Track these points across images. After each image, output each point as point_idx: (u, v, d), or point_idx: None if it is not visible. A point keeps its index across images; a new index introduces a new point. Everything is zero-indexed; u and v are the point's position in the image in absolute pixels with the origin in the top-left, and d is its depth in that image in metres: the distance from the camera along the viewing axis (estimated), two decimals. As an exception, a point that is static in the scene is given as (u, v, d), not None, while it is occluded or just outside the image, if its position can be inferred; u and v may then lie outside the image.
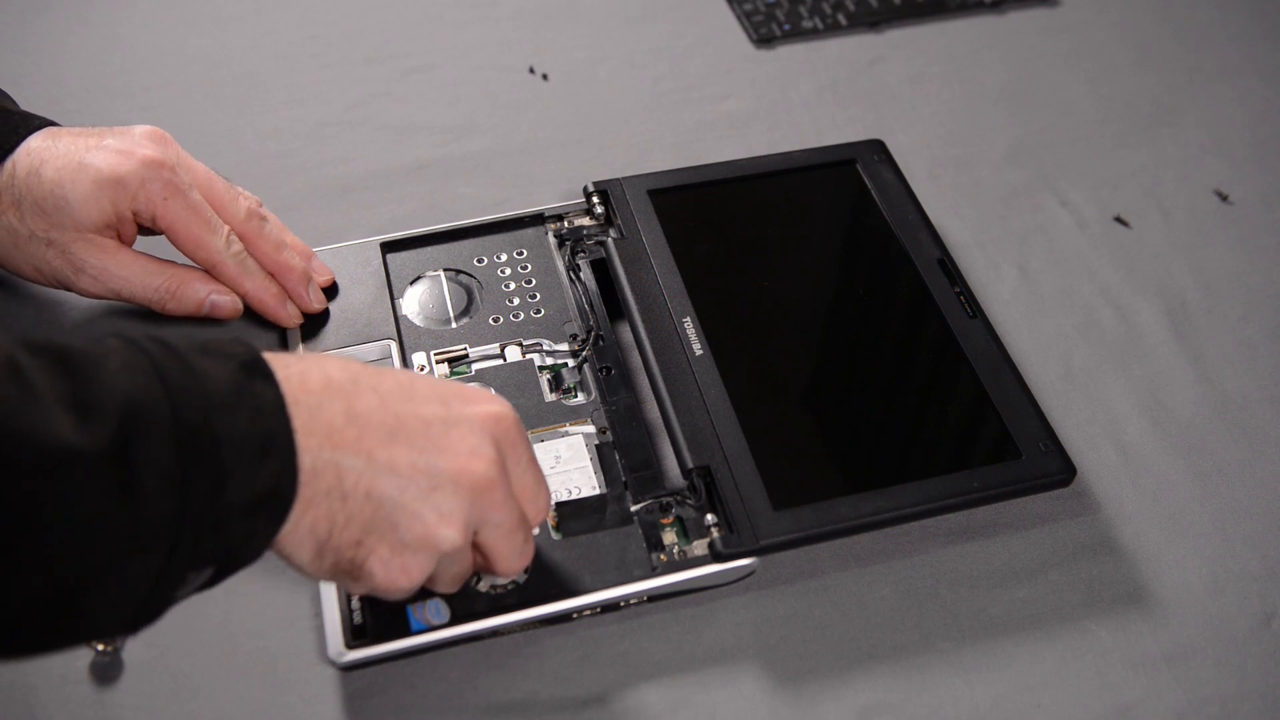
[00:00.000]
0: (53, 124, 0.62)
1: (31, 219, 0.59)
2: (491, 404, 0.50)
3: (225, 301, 0.64)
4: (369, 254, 0.70)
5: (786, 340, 0.67)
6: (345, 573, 0.47)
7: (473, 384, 0.61)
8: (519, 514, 0.50)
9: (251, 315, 0.66)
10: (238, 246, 0.63)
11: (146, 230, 0.63)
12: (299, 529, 0.45)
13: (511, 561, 0.51)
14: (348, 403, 0.46)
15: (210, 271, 0.64)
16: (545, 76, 0.86)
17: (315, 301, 0.66)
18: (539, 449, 0.61)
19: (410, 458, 0.47)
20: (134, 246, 0.64)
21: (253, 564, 0.45)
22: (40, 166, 0.59)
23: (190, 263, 0.64)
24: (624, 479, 0.60)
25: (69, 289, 0.62)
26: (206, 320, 0.65)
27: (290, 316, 0.65)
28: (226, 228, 0.63)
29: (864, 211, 0.72)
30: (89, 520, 0.39)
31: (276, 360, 0.45)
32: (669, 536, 0.58)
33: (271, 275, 0.65)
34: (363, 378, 0.47)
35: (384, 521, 0.46)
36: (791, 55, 0.89)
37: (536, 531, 0.56)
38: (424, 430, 0.47)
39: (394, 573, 0.47)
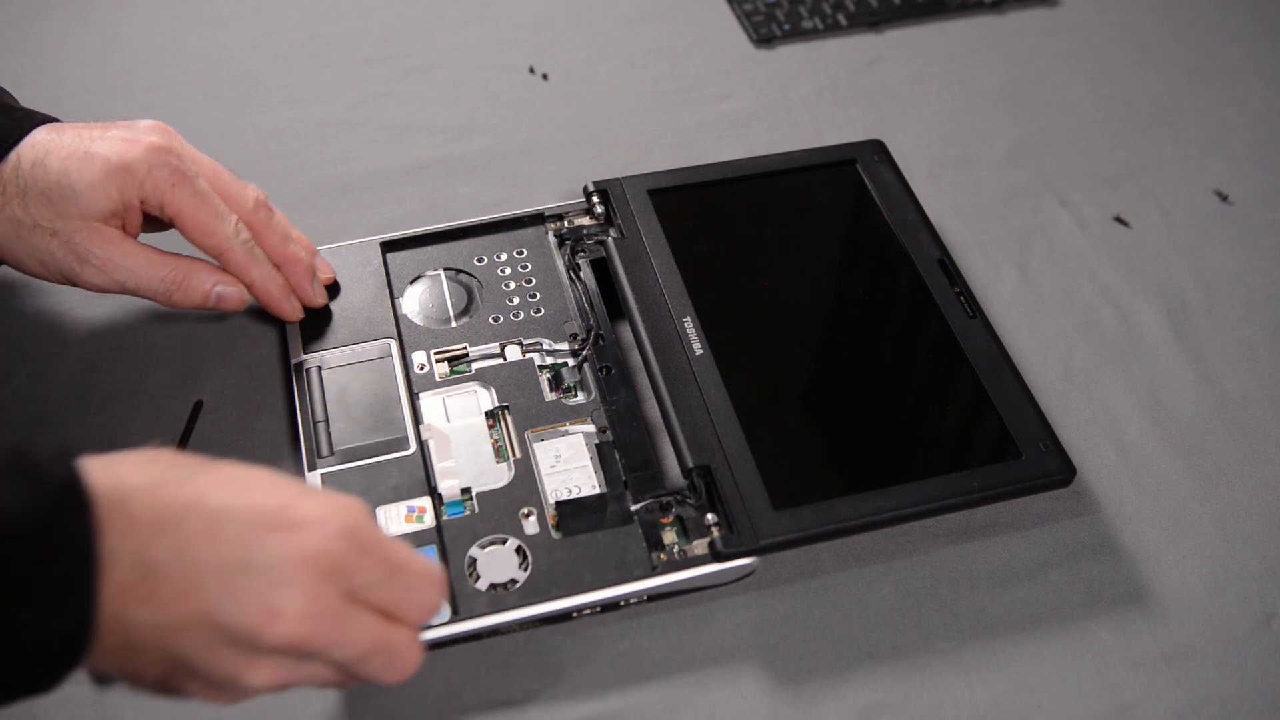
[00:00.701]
0: (56, 120, 0.62)
1: (36, 208, 0.59)
2: (318, 532, 0.44)
3: (232, 293, 0.63)
4: (369, 253, 0.70)
5: (786, 340, 0.67)
6: (170, 695, 0.45)
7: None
8: (371, 639, 0.46)
9: (251, 309, 0.65)
10: (246, 234, 0.63)
11: (152, 224, 0.63)
12: (101, 666, 0.43)
13: (380, 679, 0.47)
14: (143, 551, 0.42)
15: (218, 259, 0.63)
16: (545, 76, 0.86)
17: (318, 296, 0.66)
18: (539, 448, 0.61)
19: (203, 615, 0.42)
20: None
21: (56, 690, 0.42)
22: (45, 157, 0.59)
23: (197, 255, 0.64)
24: (624, 478, 0.60)
25: (74, 283, 0.62)
26: (210, 315, 0.65)
27: (293, 310, 0.65)
28: (234, 216, 0.62)
29: (864, 211, 0.72)
30: None
31: (103, 483, 0.41)
32: (669, 536, 0.58)
33: (276, 267, 0.64)
34: (169, 514, 0.43)
35: (184, 668, 0.44)
36: (791, 55, 0.89)
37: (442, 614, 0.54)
38: (223, 583, 0.43)
39: (217, 698, 0.45)
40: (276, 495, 0.45)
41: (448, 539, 0.57)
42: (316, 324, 0.66)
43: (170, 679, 0.44)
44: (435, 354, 0.65)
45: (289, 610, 0.43)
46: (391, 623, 0.47)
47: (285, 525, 0.44)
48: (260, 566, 0.43)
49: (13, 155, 0.59)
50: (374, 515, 0.48)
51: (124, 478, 0.43)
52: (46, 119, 0.62)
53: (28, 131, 0.60)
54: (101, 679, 0.46)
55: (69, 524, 0.40)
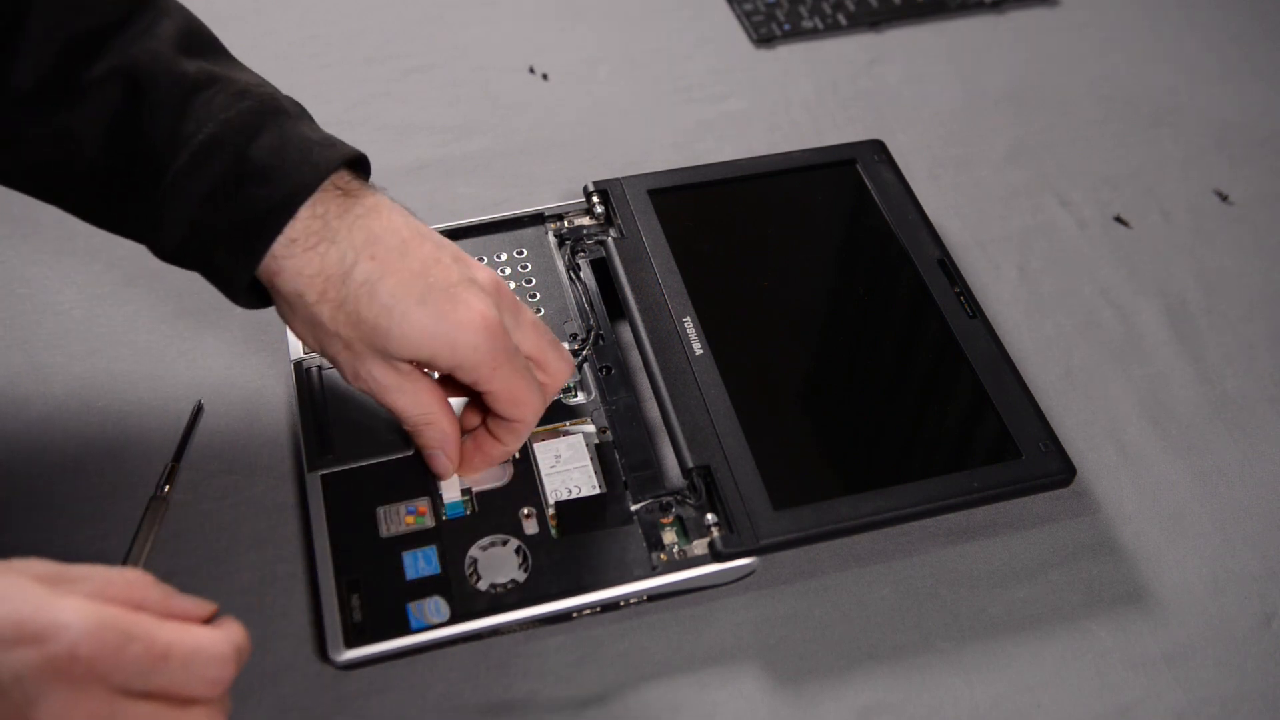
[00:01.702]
0: (359, 155, 0.55)
1: (345, 324, 0.53)
2: (65, 637, 0.41)
3: (444, 465, 0.59)
4: (369, 254, 0.69)
5: (786, 340, 0.67)
6: None
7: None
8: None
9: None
10: (542, 410, 0.59)
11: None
12: None
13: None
14: None
15: (507, 426, 0.58)
16: (545, 76, 0.86)
17: (470, 471, 0.60)
18: (539, 448, 0.61)
19: None
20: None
21: None
22: (379, 281, 0.53)
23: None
24: (624, 478, 0.60)
25: (336, 370, 0.57)
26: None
27: (468, 471, 0.60)
28: (543, 397, 0.58)
29: (864, 211, 0.72)
30: None
31: None
32: (669, 536, 0.58)
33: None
34: None
35: None
36: (791, 55, 0.89)
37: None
38: None
39: None
40: (21, 605, 0.41)
41: (447, 539, 0.57)
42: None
43: None
44: (435, 354, 0.65)
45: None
46: (180, 705, 0.44)
47: (29, 637, 0.41)
48: (6, 685, 0.40)
49: (340, 246, 0.53)
50: (153, 581, 0.45)
51: None
52: (347, 155, 0.54)
53: (326, 175, 0.53)
54: None
55: None
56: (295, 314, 0.54)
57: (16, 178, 0.55)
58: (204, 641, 0.44)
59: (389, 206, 0.55)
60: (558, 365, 0.59)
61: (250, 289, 0.54)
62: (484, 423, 0.59)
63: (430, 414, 0.57)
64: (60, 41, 0.52)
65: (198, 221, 0.52)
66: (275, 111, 0.54)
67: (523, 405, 0.57)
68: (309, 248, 0.52)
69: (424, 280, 0.53)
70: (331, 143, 0.54)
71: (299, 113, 0.55)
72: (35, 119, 0.52)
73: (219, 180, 0.52)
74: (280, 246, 0.52)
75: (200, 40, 0.56)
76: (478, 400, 0.59)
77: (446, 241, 0.56)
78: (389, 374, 0.55)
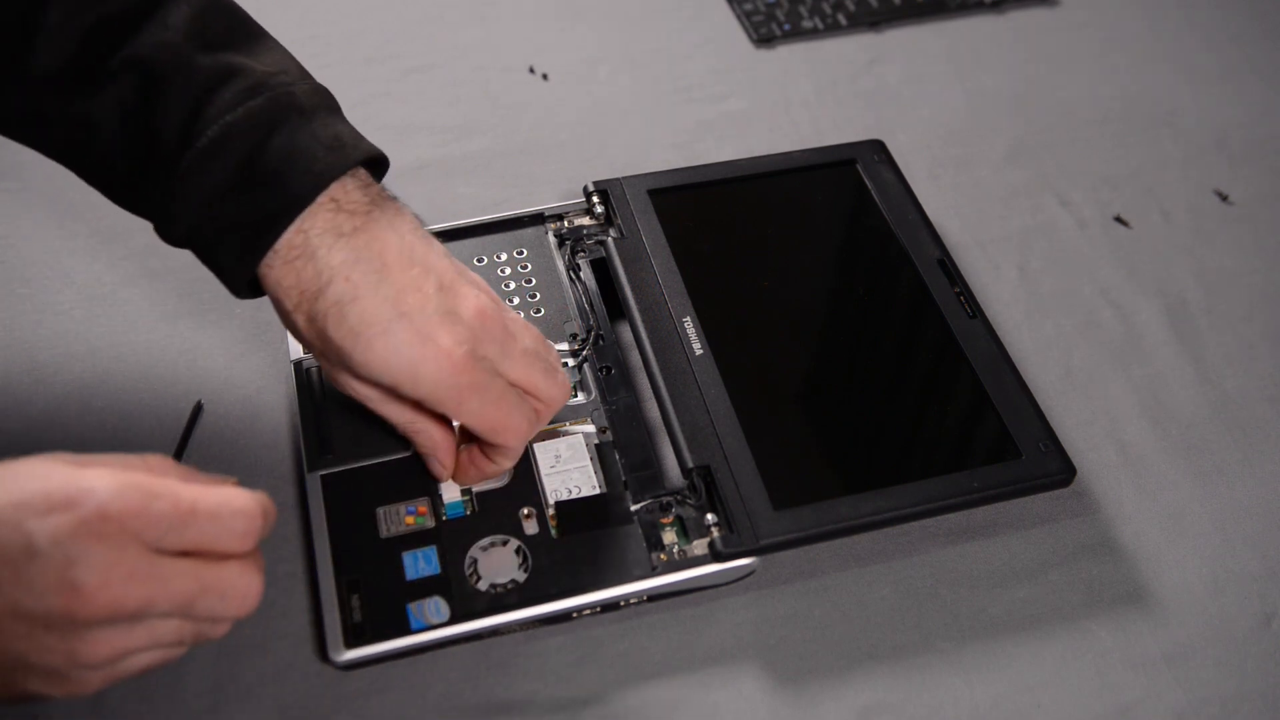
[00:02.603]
0: (381, 158, 0.55)
1: (315, 338, 0.53)
2: (93, 499, 0.43)
3: (439, 473, 0.59)
4: (369, 254, 0.69)
5: (786, 340, 0.67)
6: (20, 698, 0.45)
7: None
8: (191, 583, 0.45)
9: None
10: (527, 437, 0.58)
11: None
12: None
13: (224, 616, 0.47)
14: None
15: (487, 452, 0.57)
16: (545, 76, 0.86)
17: (465, 482, 0.60)
18: (539, 448, 0.61)
19: (10, 610, 0.42)
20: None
21: None
22: (351, 303, 0.51)
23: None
24: (624, 478, 0.60)
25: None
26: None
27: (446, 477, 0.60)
28: (525, 425, 0.56)
29: (864, 211, 0.72)
30: None
31: None
32: (669, 536, 0.58)
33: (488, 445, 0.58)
34: None
35: (18, 666, 0.43)
36: (791, 55, 0.89)
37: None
38: (15, 575, 0.42)
39: (65, 686, 0.44)
40: (50, 478, 0.44)
41: (448, 539, 0.57)
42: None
43: (12, 681, 0.44)
44: (435, 354, 0.65)
45: (88, 582, 0.42)
46: (214, 561, 0.46)
47: (60, 503, 0.43)
48: (45, 549, 0.42)
49: (317, 263, 0.52)
50: (174, 462, 0.47)
51: None
52: (353, 161, 0.53)
53: (325, 185, 0.52)
54: None
55: None
56: (281, 315, 0.55)
57: (41, 151, 0.56)
58: (228, 496, 0.46)
59: (385, 224, 0.53)
60: (550, 393, 0.57)
61: (250, 284, 0.55)
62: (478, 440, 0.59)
63: (415, 422, 0.57)
64: (82, 27, 0.52)
65: (202, 219, 0.52)
66: (286, 109, 0.53)
67: (503, 433, 0.56)
68: (288, 261, 0.52)
69: (395, 308, 0.52)
70: (340, 145, 0.53)
71: (314, 106, 0.54)
72: (56, 102, 0.53)
73: (222, 183, 0.52)
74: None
75: (221, 25, 0.55)
76: None
77: (439, 265, 0.54)
78: (365, 387, 0.55)
